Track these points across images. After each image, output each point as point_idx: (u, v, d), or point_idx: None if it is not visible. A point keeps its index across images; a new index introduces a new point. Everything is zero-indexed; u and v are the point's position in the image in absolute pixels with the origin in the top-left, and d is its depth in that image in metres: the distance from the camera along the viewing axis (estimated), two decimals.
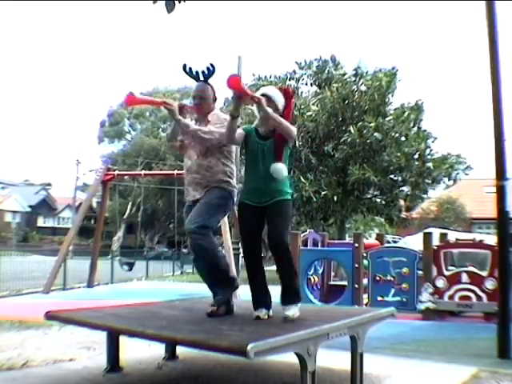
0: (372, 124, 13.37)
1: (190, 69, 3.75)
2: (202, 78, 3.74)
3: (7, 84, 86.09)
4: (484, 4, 4.90)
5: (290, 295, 3.33)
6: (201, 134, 3.60)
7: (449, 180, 14.49)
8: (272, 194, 3.36)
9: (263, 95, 3.39)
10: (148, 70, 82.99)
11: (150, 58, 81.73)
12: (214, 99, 3.83)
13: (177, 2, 3.42)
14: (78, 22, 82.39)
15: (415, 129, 14.26)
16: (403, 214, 15.38)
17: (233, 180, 3.77)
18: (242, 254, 3.60)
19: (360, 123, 13.65)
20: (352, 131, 13.49)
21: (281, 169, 3.32)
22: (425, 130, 14.50)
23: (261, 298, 3.43)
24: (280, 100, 3.48)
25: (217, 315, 3.40)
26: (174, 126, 3.73)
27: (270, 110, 3.30)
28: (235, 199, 3.83)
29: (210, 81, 3.77)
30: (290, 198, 3.46)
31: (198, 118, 3.80)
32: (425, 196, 15.67)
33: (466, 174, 14.32)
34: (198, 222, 3.48)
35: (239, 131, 3.45)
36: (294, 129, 3.45)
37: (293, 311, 3.26)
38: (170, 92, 46.23)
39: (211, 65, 3.72)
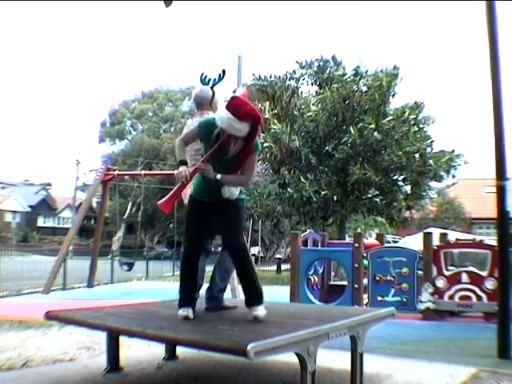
0: (372, 125, 13.36)
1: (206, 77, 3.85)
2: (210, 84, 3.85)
3: (8, 84, 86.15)
4: (484, 4, 4.90)
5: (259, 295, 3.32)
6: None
7: (448, 176, 14.43)
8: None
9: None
10: (149, 70, 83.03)
11: (152, 57, 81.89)
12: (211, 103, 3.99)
13: None
14: (79, 21, 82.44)
15: (415, 128, 14.22)
16: (404, 214, 15.34)
17: None
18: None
19: (360, 124, 13.63)
20: (352, 132, 13.48)
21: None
22: (423, 128, 14.48)
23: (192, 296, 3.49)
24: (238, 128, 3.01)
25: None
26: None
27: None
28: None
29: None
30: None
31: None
32: (425, 195, 15.61)
33: (465, 163, 14.20)
34: None
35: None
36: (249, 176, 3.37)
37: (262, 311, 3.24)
38: (172, 92, 46.30)
39: (223, 71, 3.78)
